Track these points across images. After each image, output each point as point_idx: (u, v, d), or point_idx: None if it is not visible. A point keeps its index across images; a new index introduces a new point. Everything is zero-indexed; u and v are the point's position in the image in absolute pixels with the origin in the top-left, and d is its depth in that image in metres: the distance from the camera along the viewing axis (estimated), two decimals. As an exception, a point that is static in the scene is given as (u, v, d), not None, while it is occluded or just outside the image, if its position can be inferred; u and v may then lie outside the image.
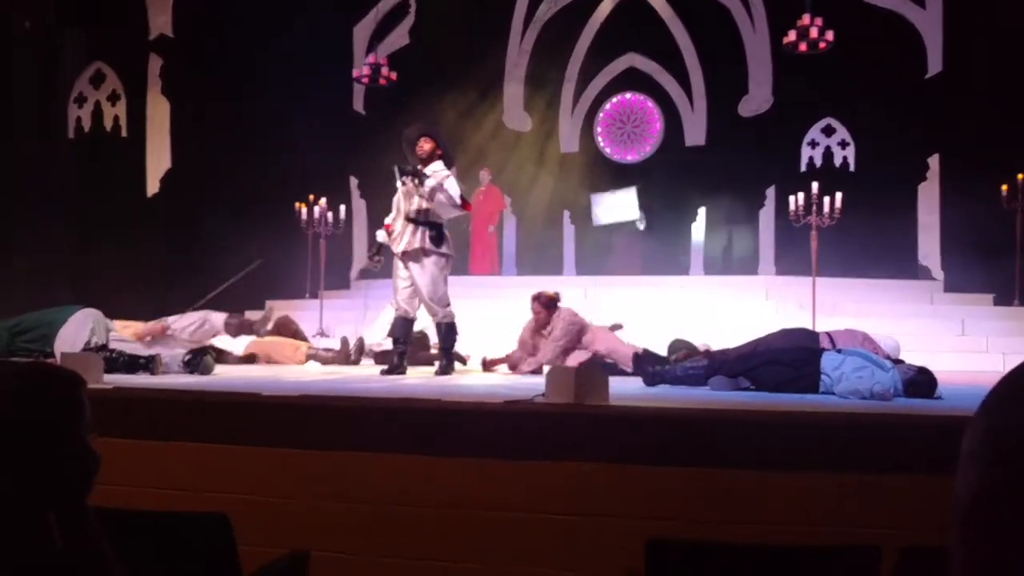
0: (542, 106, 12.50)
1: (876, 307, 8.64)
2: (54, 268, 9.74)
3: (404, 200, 5.75)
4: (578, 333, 6.17)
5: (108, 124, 11.18)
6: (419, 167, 5.62)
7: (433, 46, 11.60)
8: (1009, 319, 8.43)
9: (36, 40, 10.57)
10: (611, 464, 2.92)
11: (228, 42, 10.38)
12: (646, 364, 5.27)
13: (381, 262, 5.98)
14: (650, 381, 5.03)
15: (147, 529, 2.09)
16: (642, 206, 11.59)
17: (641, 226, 11.47)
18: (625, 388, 4.45)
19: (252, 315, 6.77)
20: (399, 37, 12.19)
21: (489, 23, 12.01)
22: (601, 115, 12.68)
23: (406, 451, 3.07)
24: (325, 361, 6.75)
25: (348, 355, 6.85)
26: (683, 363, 5.17)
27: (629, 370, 5.65)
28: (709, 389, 4.74)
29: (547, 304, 6.27)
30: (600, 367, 5.23)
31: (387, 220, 5.86)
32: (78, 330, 5.39)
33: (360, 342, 7.01)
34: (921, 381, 4.46)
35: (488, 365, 6.51)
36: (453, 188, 5.55)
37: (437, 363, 5.90)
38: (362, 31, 12.17)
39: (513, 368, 6.25)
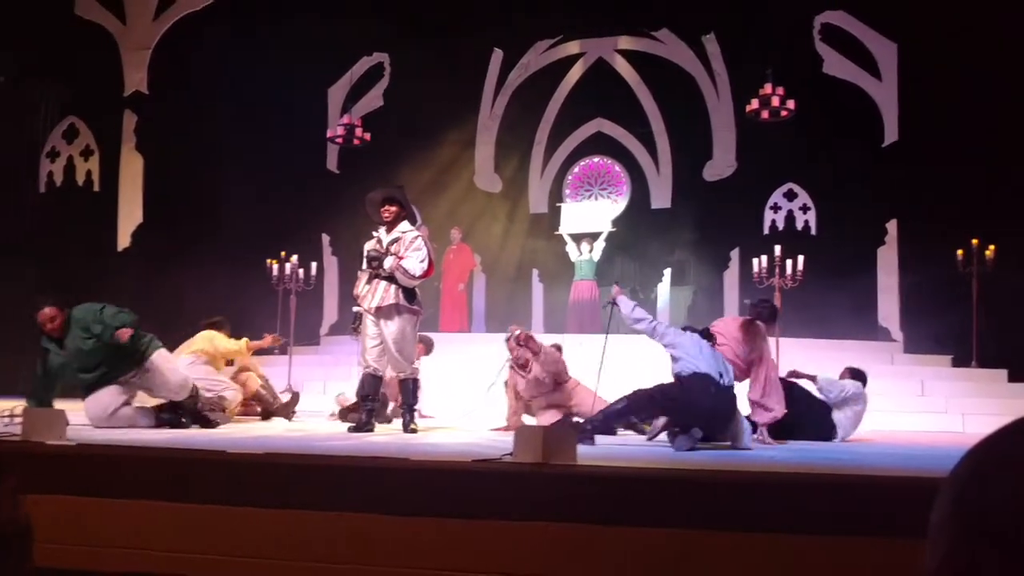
0: (512, 168, 12.75)
1: (838, 367, 8.76)
2: (22, 321, 9.57)
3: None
4: (558, 374, 6.34)
5: (80, 179, 11.17)
6: (379, 251, 5.64)
7: (406, 108, 11.85)
8: (967, 380, 8.61)
9: (10, 94, 10.59)
10: (579, 524, 2.93)
11: (203, 99, 10.49)
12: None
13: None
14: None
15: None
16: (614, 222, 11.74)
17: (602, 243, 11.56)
18: (592, 448, 4.49)
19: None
20: (373, 99, 12.44)
21: (461, 87, 12.30)
22: (570, 178, 12.95)
23: (373, 510, 3.06)
24: (268, 406, 7.05)
25: (288, 408, 7.13)
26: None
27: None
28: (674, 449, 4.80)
29: (521, 343, 6.37)
30: (574, 425, 5.27)
31: (356, 291, 5.90)
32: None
33: (295, 396, 7.41)
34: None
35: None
36: (412, 264, 5.54)
37: (402, 420, 5.88)
38: (337, 92, 12.40)
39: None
